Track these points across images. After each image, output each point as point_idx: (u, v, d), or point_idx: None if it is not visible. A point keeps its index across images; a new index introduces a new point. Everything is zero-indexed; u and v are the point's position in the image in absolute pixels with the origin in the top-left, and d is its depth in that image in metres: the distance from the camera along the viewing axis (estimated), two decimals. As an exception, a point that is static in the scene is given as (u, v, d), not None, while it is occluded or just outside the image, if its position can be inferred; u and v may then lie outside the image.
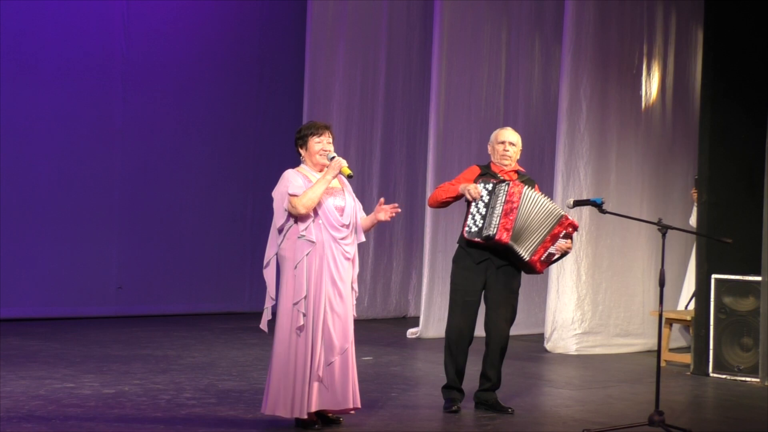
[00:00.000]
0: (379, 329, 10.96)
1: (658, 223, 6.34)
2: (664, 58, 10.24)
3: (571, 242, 6.69)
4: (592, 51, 9.76)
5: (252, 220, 12.33)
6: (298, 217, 5.91)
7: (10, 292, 10.70)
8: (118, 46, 11.40)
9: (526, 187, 6.58)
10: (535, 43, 11.07)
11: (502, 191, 6.51)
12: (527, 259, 6.54)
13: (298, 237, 5.91)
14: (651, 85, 10.15)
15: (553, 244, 6.58)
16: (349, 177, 6.07)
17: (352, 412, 6.09)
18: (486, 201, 6.53)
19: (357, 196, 6.29)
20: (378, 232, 11.75)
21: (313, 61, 11.66)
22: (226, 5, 12.18)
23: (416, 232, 11.98)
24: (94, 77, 11.27)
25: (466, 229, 6.56)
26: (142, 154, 11.58)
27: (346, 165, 6.04)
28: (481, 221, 6.52)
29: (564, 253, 6.66)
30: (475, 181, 6.64)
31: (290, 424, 6.01)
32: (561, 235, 6.58)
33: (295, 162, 6.26)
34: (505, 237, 6.45)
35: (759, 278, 8.22)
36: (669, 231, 6.32)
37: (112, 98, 11.40)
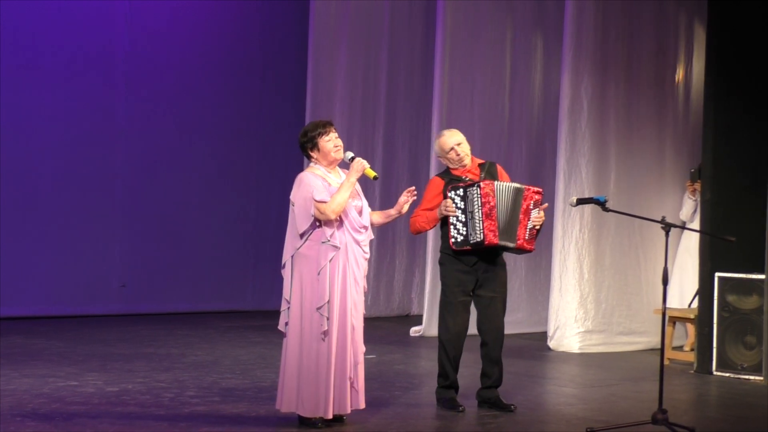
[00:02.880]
0: (382, 327, 10.96)
1: (662, 221, 6.33)
2: (666, 57, 10.22)
3: (543, 209, 6.62)
4: (593, 49, 9.75)
5: (255, 218, 12.34)
6: (324, 222, 5.91)
7: (14, 291, 10.70)
8: (121, 46, 11.41)
9: (495, 182, 6.54)
10: (537, 42, 11.07)
11: (475, 195, 6.46)
12: (514, 245, 6.56)
13: (322, 242, 5.92)
14: (652, 84, 10.13)
15: (529, 218, 6.56)
16: (374, 179, 6.08)
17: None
18: (462, 207, 6.51)
19: (360, 196, 6.30)
20: (381, 230, 11.74)
21: (315, 61, 11.67)
22: (228, 5, 12.19)
23: (419, 231, 11.97)
24: (96, 77, 11.28)
25: (452, 240, 6.54)
26: (145, 153, 11.58)
27: (369, 166, 6.05)
28: (464, 229, 6.50)
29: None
30: (444, 193, 6.60)
31: (293, 422, 6.02)
32: (531, 207, 6.57)
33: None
34: (493, 239, 6.45)
35: (762, 276, 8.21)
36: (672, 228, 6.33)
37: (114, 97, 11.41)
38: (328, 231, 5.91)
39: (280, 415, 6.07)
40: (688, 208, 9.70)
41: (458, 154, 6.67)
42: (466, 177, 6.66)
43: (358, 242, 6.02)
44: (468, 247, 6.52)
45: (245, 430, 5.91)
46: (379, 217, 6.29)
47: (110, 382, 7.23)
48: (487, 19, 10.70)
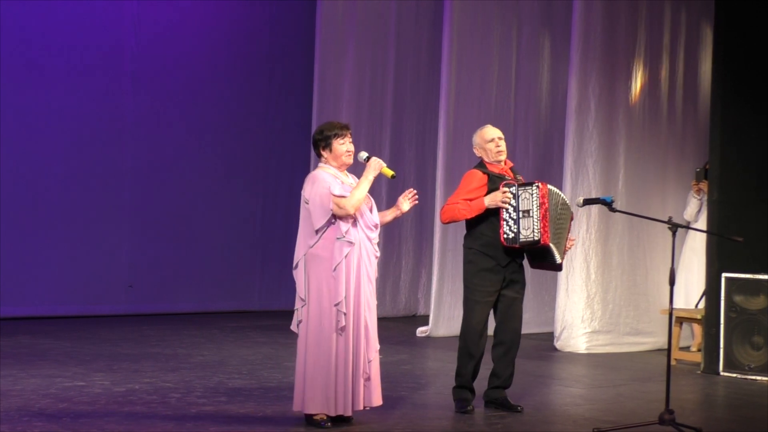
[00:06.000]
0: (389, 327, 10.95)
1: (669, 222, 6.33)
2: (673, 57, 10.22)
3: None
4: (600, 49, 9.75)
5: (262, 218, 12.35)
6: (340, 218, 5.93)
7: (21, 291, 10.73)
8: (128, 45, 11.43)
9: (549, 185, 6.56)
10: (544, 42, 11.07)
11: (534, 194, 6.44)
12: (560, 260, 6.56)
13: (338, 238, 5.93)
14: (660, 84, 10.13)
15: (566, 239, 6.60)
16: (392, 177, 6.11)
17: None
18: (514, 205, 6.48)
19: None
20: (387, 230, 11.74)
21: (322, 60, 11.68)
22: (235, 5, 12.20)
23: (426, 231, 11.97)
24: (104, 77, 11.30)
25: (504, 236, 6.47)
26: (152, 152, 11.60)
27: (386, 165, 6.09)
28: (516, 226, 6.46)
29: None
30: (491, 187, 6.58)
31: (300, 422, 6.02)
32: (569, 229, 6.61)
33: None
34: (548, 240, 6.43)
35: (769, 277, 8.22)
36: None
37: (122, 97, 11.43)
38: (343, 227, 5.93)
39: (288, 416, 6.07)
40: (693, 208, 9.69)
41: (498, 146, 6.68)
42: (504, 175, 6.64)
43: (370, 240, 6.04)
44: (517, 245, 6.48)
45: (252, 431, 5.92)
46: (387, 216, 6.31)
47: (117, 383, 7.24)
48: (494, 18, 10.71)
